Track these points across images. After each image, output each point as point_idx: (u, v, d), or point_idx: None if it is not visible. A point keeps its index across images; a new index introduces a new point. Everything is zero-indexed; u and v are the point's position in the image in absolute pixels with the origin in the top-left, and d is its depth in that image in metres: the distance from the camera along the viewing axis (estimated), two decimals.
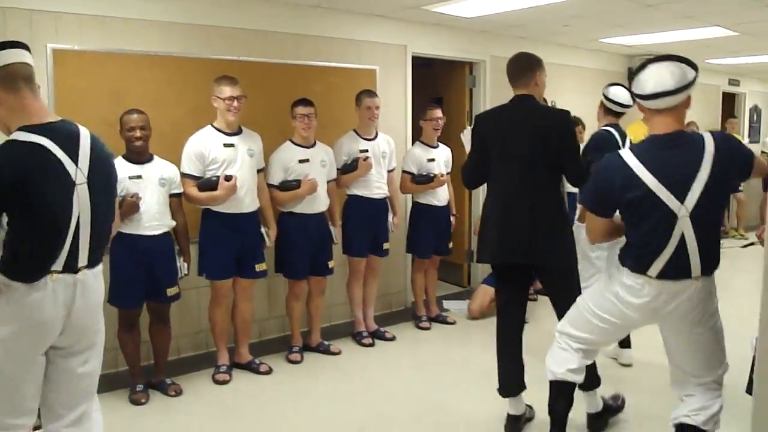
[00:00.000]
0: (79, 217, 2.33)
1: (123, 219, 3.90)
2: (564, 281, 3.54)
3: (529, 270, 3.60)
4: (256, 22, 5.03)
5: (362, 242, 5.15)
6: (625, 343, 4.58)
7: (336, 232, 5.01)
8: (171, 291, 4.17)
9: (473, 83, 6.75)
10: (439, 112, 5.45)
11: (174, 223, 4.18)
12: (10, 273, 2.31)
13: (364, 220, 5.12)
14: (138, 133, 3.99)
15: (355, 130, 5.13)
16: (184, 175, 4.25)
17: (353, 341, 5.25)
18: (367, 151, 5.06)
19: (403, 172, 5.42)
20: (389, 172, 5.29)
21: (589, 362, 3.21)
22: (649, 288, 2.77)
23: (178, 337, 4.64)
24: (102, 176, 2.44)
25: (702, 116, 9.57)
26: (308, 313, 5.03)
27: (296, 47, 5.28)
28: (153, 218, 4.02)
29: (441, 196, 5.49)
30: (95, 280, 2.49)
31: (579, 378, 3.17)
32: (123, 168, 3.90)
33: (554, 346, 3.23)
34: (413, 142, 5.78)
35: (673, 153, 2.66)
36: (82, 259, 2.38)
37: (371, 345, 5.18)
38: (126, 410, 3.99)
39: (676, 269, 2.70)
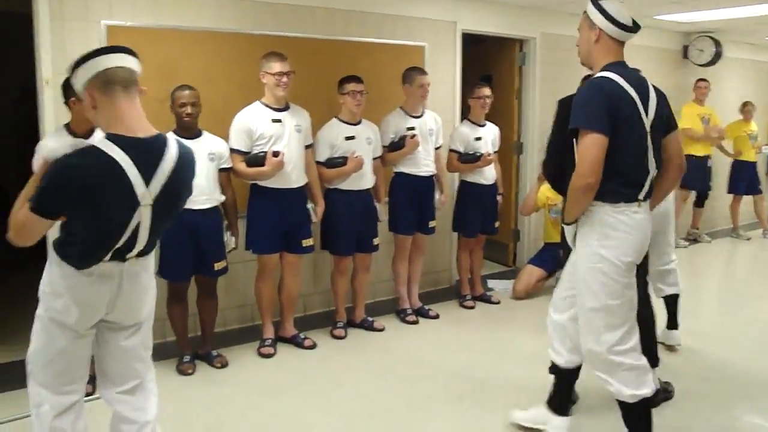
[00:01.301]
0: (138, 224, 2.31)
1: None
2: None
3: None
4: None
5: (408, 220, 5.11)
6: (672, 324, 4.48)
7: (381, 209, 4.98)
8: (218, 265, 4.21)
9: (523, 61, 6.62)
10: (487, 90, 5.34)
11: (223, 198, 4.20)
12: (61, 254, 2.35)
13: (411, 198, 5.07)
14: (189, 110, 4.01)
15: (402, 108, 5.07)
16: (232, 151, 4.26)
17: (397, 318, 5.23)
18: (414, 128, 5.00)
19: (450, 150, 5.35)
20: (436, 149, 5.22)
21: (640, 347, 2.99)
22: (642, 211, 2.84)
23: (224, 310, 4.68)
24: (172, 198, 2.39)
25: (759, 95, 9.25)
26: (353, 289, 5.03)
27: (345, 23, 5.22)
28: (202, 193, 4.02)
29: (488, 175, 5.41)
30: (142, 266, 2.49)
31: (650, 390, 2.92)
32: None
33: (617, 370, 2.87)
34: (461, 121, 5.70)
35: (636, 75, 2.85)
36: (133, 254, 2.39)
37: (415, 322, 5.16)
38: (173, 380, 4.05)
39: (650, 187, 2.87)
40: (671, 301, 4.44)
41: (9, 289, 5.55)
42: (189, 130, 4.04)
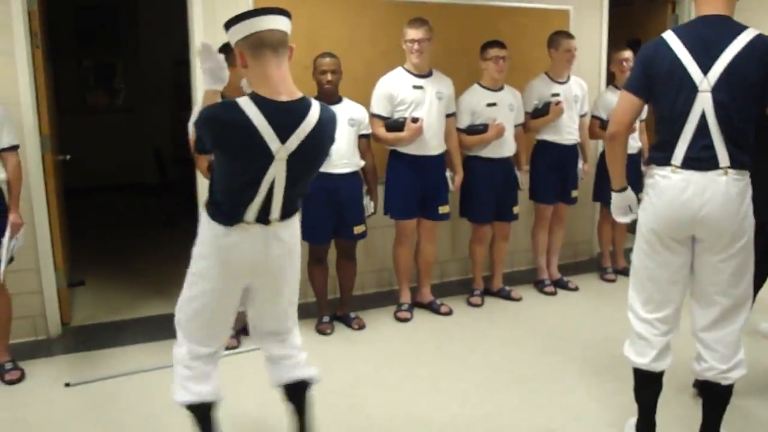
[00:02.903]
0: (274, 181, 2.35)
1: None
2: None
3: None
4: None
5: (550, 189, 4.92)
6: None
7: (522, 177, 4.82)
8: (358, 229, 4.23)
9: (675, 23, 6.16)
10: (626, 54, 4.97)
11: (362, 163, 4.21)
12: (210, 213, 2.43)
13: (553, 167, 4.87)
14: (329, 77, 4.03)
15: (546, 73, 4.86)
16: (373, 116, 4.25)
17: (535, 289, 5.08)
18: (558, 95, 4.77)
19: (593, 117, 5.08)
20: (581, 117, 4.98)
21: (671, 336, 2.80)
22: (675, 177, 2.57)
23: (363, 274, 4.71)
24: (308, 156, 2.40)
25: None
26: (491, 257, 4.92)
27: None
28: (342, 157, 4.07)
29: (632, 144, 5.10)
30: (288, 230, 2.51)
31: (664, 364, 2.80)
32: None
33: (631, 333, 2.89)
34: (606, 86, 5.40)
35: (709, 30, 2.54)
36: (274, 214, 2.42)
37: (553, 294, 4.99)
38: (312, 339, 4.13)
39: (701, 158, 2.53)
40: None
41: (168, 246, 5.87)
42: (330, 96, 4.06)
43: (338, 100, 4.12)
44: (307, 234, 4.08)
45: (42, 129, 4.11)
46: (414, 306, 4.62)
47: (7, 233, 3.56)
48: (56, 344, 4.19)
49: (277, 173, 2.34)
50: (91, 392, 3.55)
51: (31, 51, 4.00)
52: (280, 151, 2.29)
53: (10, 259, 3.61)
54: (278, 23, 2.28)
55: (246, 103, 2.25)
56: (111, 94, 9.33)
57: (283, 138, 2.28)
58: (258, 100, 2.26)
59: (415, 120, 4.18)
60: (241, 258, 2.42)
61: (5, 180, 3.60)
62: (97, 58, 8.88)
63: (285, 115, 2.29)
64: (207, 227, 2.44)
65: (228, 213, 2.38)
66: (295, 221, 2.56)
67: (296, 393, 2.70)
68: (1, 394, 3.55)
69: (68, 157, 4.79)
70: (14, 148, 3.63)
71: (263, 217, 2.40)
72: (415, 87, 4.25)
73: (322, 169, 3.89)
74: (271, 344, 2.68)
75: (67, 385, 3.61)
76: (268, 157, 2.29)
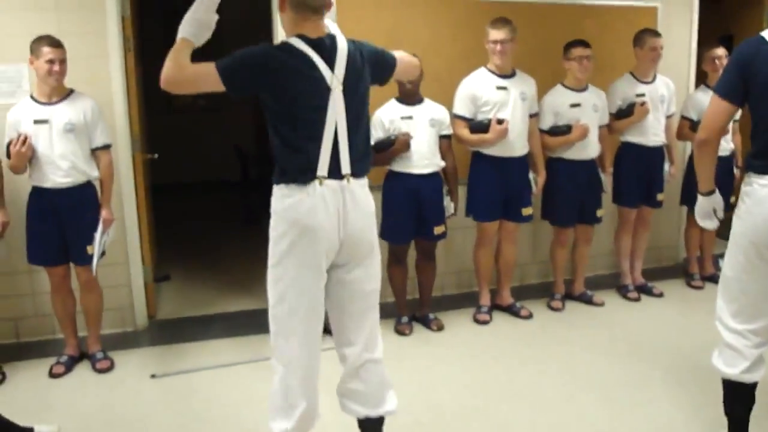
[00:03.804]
0: (336, 124, 2.35)
1: (395, 156, 4.01)
2: None
3: None
4: None
5: (634, 192, 4.74)
6: None
7: (606, 180, 4.67)
8: (438, 229, 4.18)
9: None
10: (719, 51, 4.73)
11: (443, 164, 4.15)
12: (281, 177, 2.37)
13: (638, 169, 4.68)
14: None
15: (631, 73, 4.68)
16: (455, 117, 4.20)
17: (617, 294, 4.90)
18: (644, 95, 4.59)
19: (682, 117, 4.86)
20: (667, 117, 4.78)
21: (765, 348, 2.63)
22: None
23: (442, 275, 4.65)
24: (354, 84, 2.41)
25: None
26: (572, 261, 4.78)
27: None
28: (423, 157, 4.04)
29: (725, 146, 4.86)
30: (363, 191, 2.46)
31: (757, 376, 2.63)
32: (394, 109, 4.05)
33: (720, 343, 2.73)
34: (696, 86, 5.18)
35: None
36: (345, 166, 2.37)
37: (636, 299, 4.80)
38: (391, 339, 4.10)
39: None
40: None
41: (250, 242, 5.94)
42: (411, 96, 4.04)
43: (419, 101, 4.09)
44: (387, 233, 4.14)
45: (133, 129, 4.23)
46: (493, 308, 4.53)
47: (100, 228, 3.68)
48: (143, 336, 4.31)
49: (336, 110, 2.34)
50: (175, 384, 3.63)
51: (123, 55, 4.12)
52: (333, 80, 2.33)
53: (102, 253, 3.74)
54: None
55: (294, 41, 2.33)
56: (196, 95, 9.54)
57: (331, 65, 2.33)
58: (303, 38, 2.33)
59: (500, 121, 4.10)
60: (321, 219, 2.33)
61: (98, 177, 3.73)
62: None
63: (323, 46, 2.35)
64: (279, 199, 2.38)
65: (298, 168, 2.33)
66: (367, 187, 2.50)
67: (372, 426, 2.63)
68: (92, 382, 3.68)
69: (156, 155, 4.92)
70: (107, 147, 3.75)
71: (336, 171, 2.36)
72: (498, 88, 4.17)
73: (404, 169, 4.02)
74: (350, 373, 2.58)
75: (153, 376, 3.71)
76: (325, 90, 2.32)
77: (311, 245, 2.35)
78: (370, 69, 2.48)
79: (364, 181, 2.48)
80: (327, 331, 2.51)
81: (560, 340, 4.13)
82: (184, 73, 2.26)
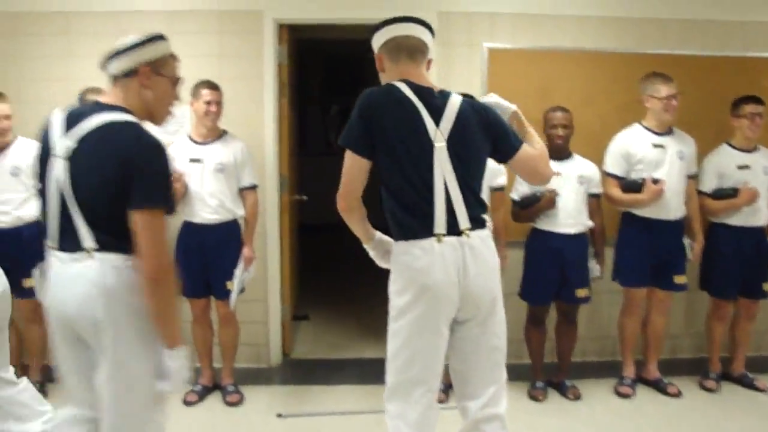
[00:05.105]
0: (445, 180, 2.26)
1: (540, 213, 3.84)
2: None
3: None
4: (696, 11, 4.40)
5: None
6: None
7: None
8: (581, 292, 3.91)
9: None
10: None
11: (590, 224, 3.90)
12: (398, 233, 2.33)
13: None
14: (560, 131, 3.83)
15: None
16: (607, 174, 3.95)
17: None
18: None
19: None
20: None
21: None
22: None
23: (583, 340, 4.33)
24: (462, 142, 2.30)
25: None
26: (732, 337, 4.27)
27: (743, 36, 4.47)
28: (569, 216, 3.82)
29: None
30: (483, 243, 2.33)
31: None
32: None
33: None
34: None
35: None
36: (462, 221, 2.27)
37: None
38: (523, 404, 3.86)
39: None
40: None
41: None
42: (560, 152, 3.84)
43: (568, 156, 3.89)
44: (526, 293, 3.96)
45: (281, 171, 4.35)
46: (638, 381, 4.14)
47: (241, 265, 3.77)
48: (275, 374, 4.34)
49: (443, 166, 2.26)
50: (300, 425, 3.61)
51: (277, 100, 4.27)
52: (437, 135, 2.26)
53: (241, 290, 3.83)
54: (415, 31, 2.36)
55: (399, 83, 2.29)
56: None
57: (436, 119, 2.27)
58: (406, 82, 2.30)
59: (655, 181, 3.81)
60: (439, 278, 2.25)
61: (243, 216, 3.84)
62: (343, 104, 9.41)
63: (431, 96, 2.30)
64: (397, 255, 2.34)
65: (413, 224, 2.27)
66: (490, 239, 2.39)
67: None
68: (220, 414, 3.74)
69: (305, 197, 5.01)
70: (254, 188, 3.87)
71: (453, 226, 2.26)
72: (655, 145, 3.87)
73: (548, 227, 3.81)
74: (470, 427, 2.42)
75: (279, 415, 3.70)
76: (429, 143, 2.25)
77: (428, 304, 2.27)
78: (489, 138, 2.38)
79: (484, 233, 2.36)
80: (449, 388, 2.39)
81: (712, 426, 3.67)
82: (346, 198, 2.40)
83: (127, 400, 2.11)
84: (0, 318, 2.82)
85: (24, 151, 3.75)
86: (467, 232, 2.29)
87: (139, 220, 2.03)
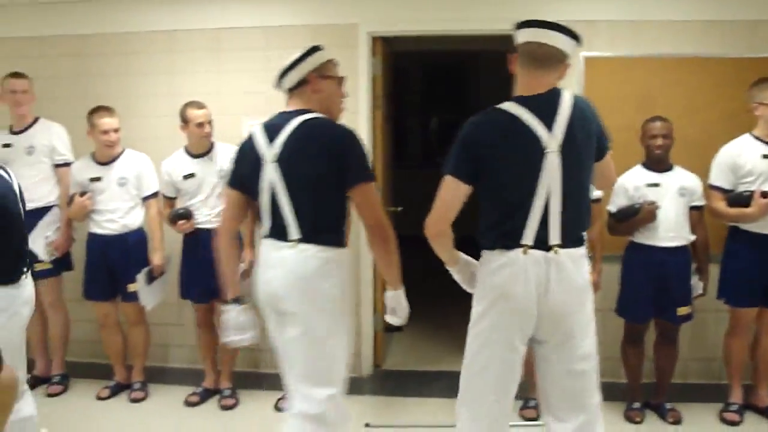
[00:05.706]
0: (549, 189, 2.20)
1: (638, 226, 3.70)
2: None
3: None
4: None
5: None
6: None
7: None
8: (682, 310, 3.70)
9: None
10: None
11: (693, 238, 3.70)
12: (485, 241, 2.32)
13: None
14: (659, 141, 3.66)
15: None
16: (712, 187, 3.72)
17: None
18: None
19: None
20: None
21: None
22: None
23: (685, 360, 4.09)
24: (576, 143, 2.23)
25: None
26: None
27: None
28: (670, 229, 3.65)
29: None
30: (574, 264, 2.25)
31: None
32: (640, 175, 3.75)
33: None
34: None
35: None
36: (554, 236, 2.21)
37: None
38: (619, 426, 3.70)
39: None
40: None
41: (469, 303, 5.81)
42: (659, 163, 3.69)
43: (668, 168, 3.72)
44: (623, 309, 3.82)
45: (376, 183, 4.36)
46: (746, 408, 3.87)
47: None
48: (366, 384, 4.35)
49: (552, 175, 2.18)
50: None
51: (372, 111, 4.30)
52: (550, 141, 2.20)
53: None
54: (552, 39, 2.25)
55: (504, 104, 2.28)
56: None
57: (548, 124, 2.21)
58: (514, 98, 2.29)
59: (765, 194, 3.57)
60: (519, 291, 2.21)
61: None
62: (443, 117, 9.38)
63: (542, 103, 2.25)
64: (483, 265, 2.35)
65: (502, 234, 2.24)
66: (584, 259, 2.30)
67: None
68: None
69: (400, 209, 5.02)
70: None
71: (543, 240, 2.21)
72: (765, 156, 3.62)
73: (647, 241, 3.65)
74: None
75: (367, 425, 3.71)
76: (539, 152, 2.20)
77: (503, 315, 2.25)
78: (593, 137, 2.31)
79: (578, 252, 2.27)
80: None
81: None
82: (438, 224, 2.40)
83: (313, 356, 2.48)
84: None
85: (131, 162, 3.94)
86: (557, 249, 2.22)
87: (359, 194, 2.43)
